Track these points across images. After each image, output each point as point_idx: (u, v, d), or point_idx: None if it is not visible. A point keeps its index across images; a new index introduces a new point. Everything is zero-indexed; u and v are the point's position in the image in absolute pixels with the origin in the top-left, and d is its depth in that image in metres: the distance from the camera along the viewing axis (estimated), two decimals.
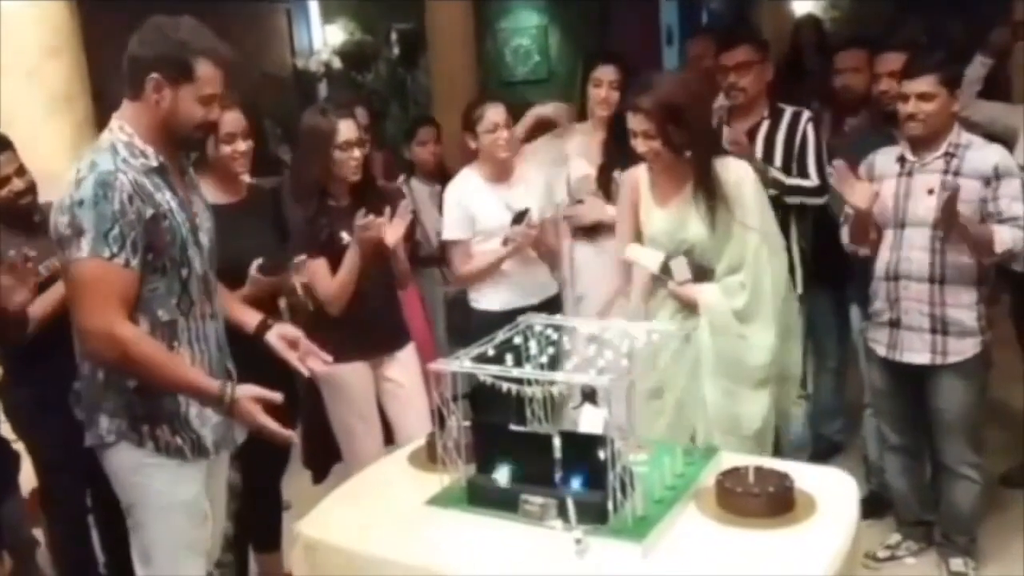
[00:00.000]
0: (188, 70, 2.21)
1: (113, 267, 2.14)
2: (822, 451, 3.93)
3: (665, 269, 2.83)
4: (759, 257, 2.74)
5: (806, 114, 3.50)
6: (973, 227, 2.91)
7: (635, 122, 2.72)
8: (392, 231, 3.13)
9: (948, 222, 2.87)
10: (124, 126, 2.24)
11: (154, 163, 2.25)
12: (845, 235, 3.23)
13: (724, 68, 3.51)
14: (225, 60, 2.27)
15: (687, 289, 2.81)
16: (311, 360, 2.54)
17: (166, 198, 2.25)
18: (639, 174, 2.91)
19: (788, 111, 3.52)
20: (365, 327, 3.12)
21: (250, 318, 2.58)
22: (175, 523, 2.31)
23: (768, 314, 2.74)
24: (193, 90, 2.23)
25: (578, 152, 3.76)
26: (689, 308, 2.82)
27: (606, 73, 3.65)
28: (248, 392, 2.24)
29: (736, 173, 2.77)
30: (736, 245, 2.74)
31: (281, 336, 2.53)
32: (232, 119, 2.91)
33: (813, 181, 3.43)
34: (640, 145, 2.74)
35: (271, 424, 2.25)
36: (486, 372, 2.21)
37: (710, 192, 2.73)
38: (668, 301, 2.88)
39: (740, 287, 2.74)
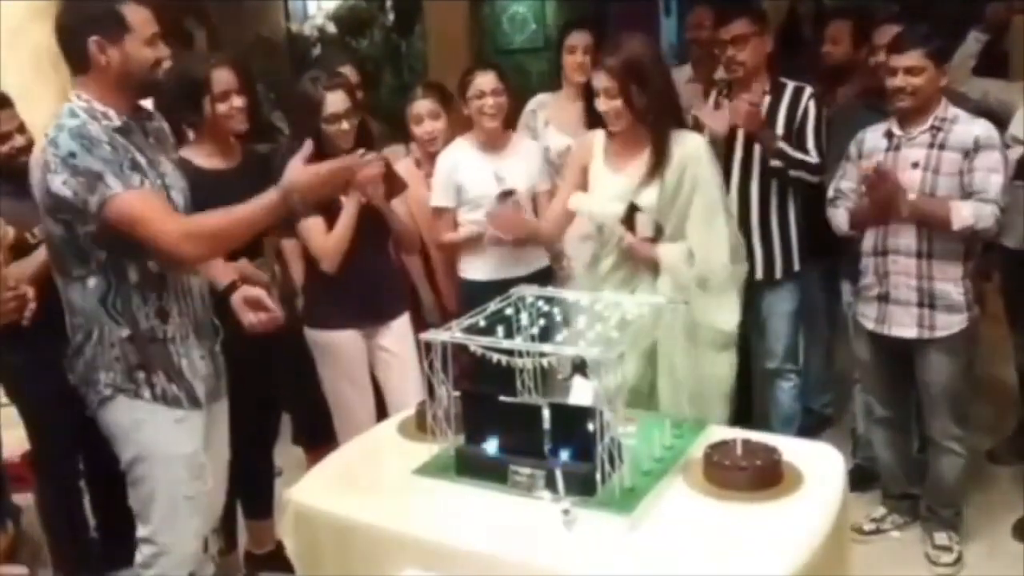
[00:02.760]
0: (122, 22, 2.24)
1: (147, 191, 2.24)
2: (811, 425, 3.94)
3: (628, 222, 2.80)
4: (713, 225, 2.78)
5: (808, 90, 3.46)
6: (925, 203, 2.94)
7: (599, 79, 2.77)
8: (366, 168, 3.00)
9: (886, 202, 2.90)
10: (80, 94, 2.27)
11: (117, 122, 2.28)
12: (838, 217, 3.22)
13: (722, 41, 3.47)
14: None
15: (646, 247, 2.80)
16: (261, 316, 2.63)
17: (134, 155, 2.28)
18: (594, 138, 2.93)
19: (790, 86, 3.48)
20: (360, 296, 3.10)
21: (223, 276, 2.66)
22: (175, 475, 2.36)
23: (728, 279, 2.79)
24: (135, 37, 2.25)
25: (555, 123, 3.75)
26: (637, 279, 2.83)
27: (580, 39, 3.69)
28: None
29: (693, 146, 2.81)
30: (685, 215, 2.77)
31: (244, 298, 2.62)
32: (223, 77, 2.89)
33: (812, 158, 3.40)
34: (602, 103, 2.78)
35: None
36: (476, 343, 2.21)
37: (665, 161, 2.76)
38: (616, 272, 2.88)
39: (690, 254, 2.78)
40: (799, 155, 3.39)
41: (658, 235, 2.81)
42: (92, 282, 2.29)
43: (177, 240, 2.20)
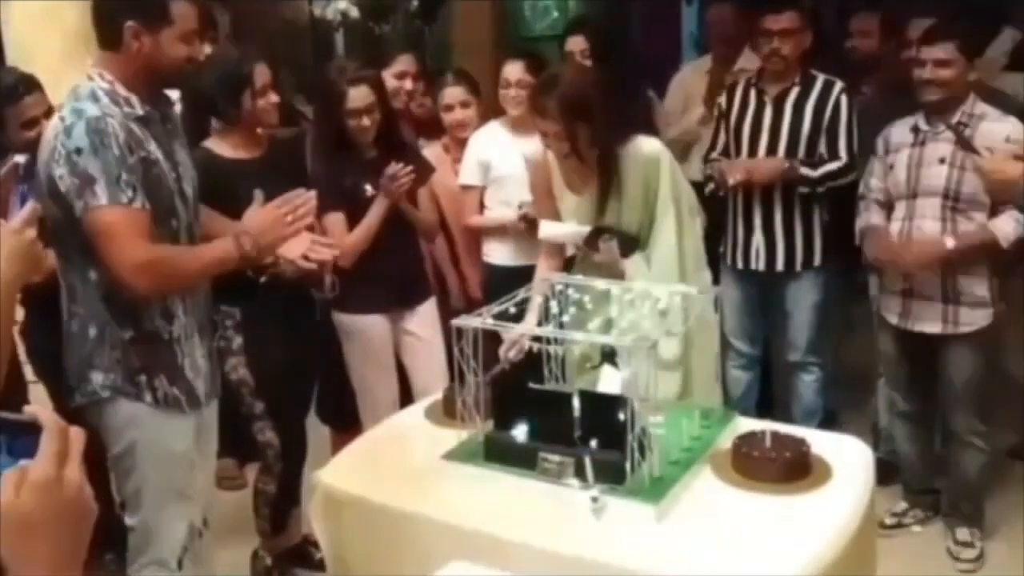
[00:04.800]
0: (164, 12, 2.20)
1: (133, 210, 2.15)
2: (832, 418, 3.93)
3: (592, 244, 2.75)
4: (680, 226, 2.69)
5: (839, 84, 3.42)
6: (966, 240, 2.94)
7: (543, 125, 2.65)
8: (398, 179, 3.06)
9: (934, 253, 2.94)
10: (103, 73, 2.21)
11: (139, 112, 2.23)
12: (861, 221, 3.20)
13: (767, 32, 3.41)
14: None
15: (614, 264, 2.72)
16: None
17: (152, 147, 2.24)
18: (548, 161, 2.82)
19: (820, 79, 3.45)
20: (385, 280, 3.12)
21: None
22: (167, 472, 2.34)
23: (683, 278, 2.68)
24: (173, 31, 2.22)
25: None
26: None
27: (575, 44, 3.71)
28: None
29: (649, 150, 2.70)
30: (649, 220, 2.70)
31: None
32: (263, 73, 2.86)
33: (842, 159, 3.37)
34: (551, 146, 2.69)
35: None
36: (507, 329, 2.21)
37: (616, 180, 2.67)
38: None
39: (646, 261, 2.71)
40: (820, 171, 3.37)
41: (634, 245, 2.73)
42: (93, 275, 2.24)
43: (134, 268, 2.15)
